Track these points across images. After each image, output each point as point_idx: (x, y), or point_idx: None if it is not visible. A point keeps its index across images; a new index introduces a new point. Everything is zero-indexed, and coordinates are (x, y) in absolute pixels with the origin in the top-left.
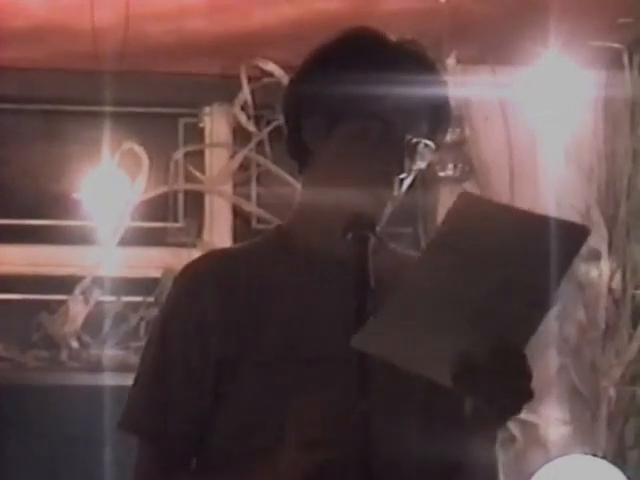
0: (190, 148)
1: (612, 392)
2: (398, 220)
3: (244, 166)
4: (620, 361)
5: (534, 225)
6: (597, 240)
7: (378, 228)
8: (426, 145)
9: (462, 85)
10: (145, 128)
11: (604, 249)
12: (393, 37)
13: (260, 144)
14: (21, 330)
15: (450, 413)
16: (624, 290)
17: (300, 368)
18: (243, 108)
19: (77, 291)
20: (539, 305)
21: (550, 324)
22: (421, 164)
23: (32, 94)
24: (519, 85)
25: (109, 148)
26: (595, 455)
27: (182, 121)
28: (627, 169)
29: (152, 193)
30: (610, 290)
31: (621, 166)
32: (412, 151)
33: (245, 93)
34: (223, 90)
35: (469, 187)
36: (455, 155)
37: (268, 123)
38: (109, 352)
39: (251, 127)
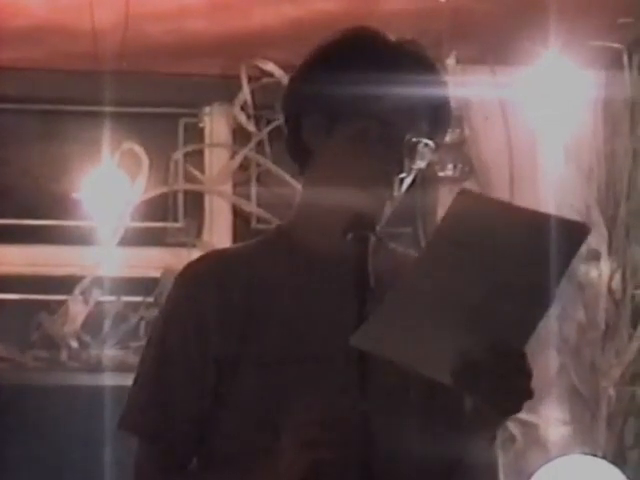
0: (190, 148)
1: (612, 392)
2: (398, 220)
3: (244, 166)
4: (620, 361)
5: (534, 223)
6: (597, 240)
7: (378, 228)
8: (426, 144)
9: (462, 85)
10: (145, 128)
11: (604, 249)
12: (393, 37)
13: (260, 144)
14: (21, 330)
15: (450, 413)
16: (624, 290)
17: (300, 368)
18: (243, 108)
19: (77, 291)
20: (539, 303)
21: (550, 324)
22: (421, 164)
23: (32, 94)
24: (519, 85)
25: (109, 148)
26: (595, 455)
27: (182, 121)
28: (627, 169)
29: (152, 193)
30: (610, 290)
31: (621, 166)
32: (412, 151)
33: (245, 93)
34: (223, 90)
35: (469, 187)
36: (455, 155)
37: (268, 123)
38: (109, 352)
39: (251, 127)
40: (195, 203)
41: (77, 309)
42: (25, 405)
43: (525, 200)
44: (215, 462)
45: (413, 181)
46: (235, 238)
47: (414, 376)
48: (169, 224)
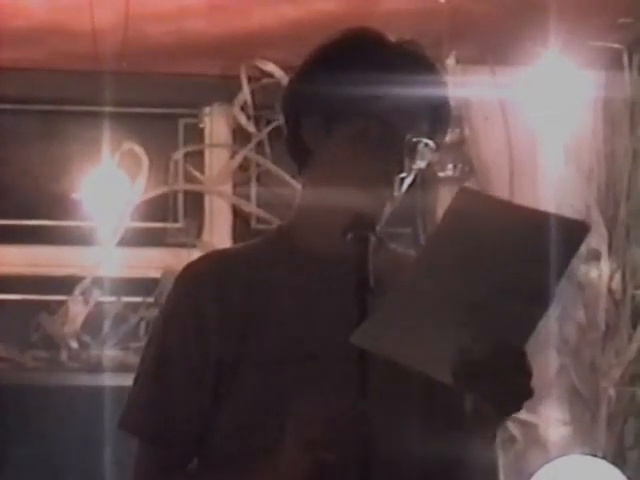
0: (190, 148)
1: (612, 392)
2: (398, 220)
3: (244, 166)
4: (620, 361)
5: (534, 221)
6: (597, 240)
7: (378, 228)
8: (426, 144)
9: (462, 85)
10: (145, 128)
11: (604, 249)
12: (393, 37)
13: (260, 144)
14: (21, 330)
15: (450, 412)
16: (624, 290)
17: (300, 368)
18: (243, 108)
19: (77, 291)
20: (539, 302)
21: (550, 324)
22: (421, 163)
23: (32, 94)
24: (519, 85)
25: (109, 148)
26: (595, 455)
27: (182, 121)
28: (627, 169)
29: (152, 193)
30: (610, 291)
31: (621, 166)
32: (412, 150)
33: (245, 93)
34: (223, 90)
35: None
36: (455, 155)
37: (268, 123)
38: (109, 352)
39: (251, 127)
40: (195, 203)
41: (77, 309)
42: (25, 405)
43: (525, 200)
44: (215, 462)
45: (413, 181)
46: (235, 238)
47: (414, 375)
48: (169, 224)
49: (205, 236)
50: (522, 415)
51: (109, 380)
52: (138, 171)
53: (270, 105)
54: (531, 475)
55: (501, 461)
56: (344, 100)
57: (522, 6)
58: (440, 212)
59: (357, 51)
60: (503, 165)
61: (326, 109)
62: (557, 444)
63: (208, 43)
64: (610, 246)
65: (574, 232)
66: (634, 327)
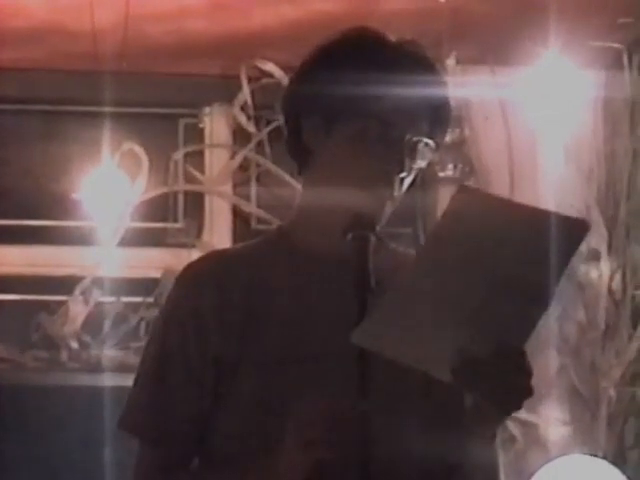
0: (190, 148)
1: (612, 392)
2: (398, 220)
3: (244, 166)
4: (620, 361)
5: (534, 220)
6: (597, 240)
7: (378, 228)
8: (426, 144)
9: (462, 85)
10: (145, 128)
11: (604, 249)
12: (393, 37)
13: (260, 144)
14: (21, 330)
15: (450, 411)
16: (624, 290)
17: (300, 368)
18: (243, 108)
19: (77, 291)
20: (539, 301)
21: (550, 324)
22: (421, 163)
23: (32, 94)
24: (519, 85)
25: (109, 148)
26: (595, 455)
27: (182, 121)
28: (627, 169)
29: (152, 193)
30: (610, 290)
31: (621, 166)
32: (412, 150)
33: (245, 93)
34: (223, 90)
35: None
36: (455, 155)
37: (268, 123)
38: (109, 353)
39: (251, 127)
40: (195, 203)
41: (77, 309)
42: (25, 405)
43: (525, 200)
44: (215, 462)
45: (413, 181)
46: (235, 238)
47: (414, 375)
48: (169, 224)
49: (205, 236)
50: (522, 415)
51: (109, 380)
52: (138, 171)
53: (270, 105)
54: (531, 475)
55: (501, 461)
56: (344, 100)
57: (522, 6)
58: (440, 212)
59: (357, 51)
60: (503, 165)
61: (326, 109)
62: (557, 444)
63: (208, 43)
64: (610, 246)
65: (574, 230)
66: (634, 327)
